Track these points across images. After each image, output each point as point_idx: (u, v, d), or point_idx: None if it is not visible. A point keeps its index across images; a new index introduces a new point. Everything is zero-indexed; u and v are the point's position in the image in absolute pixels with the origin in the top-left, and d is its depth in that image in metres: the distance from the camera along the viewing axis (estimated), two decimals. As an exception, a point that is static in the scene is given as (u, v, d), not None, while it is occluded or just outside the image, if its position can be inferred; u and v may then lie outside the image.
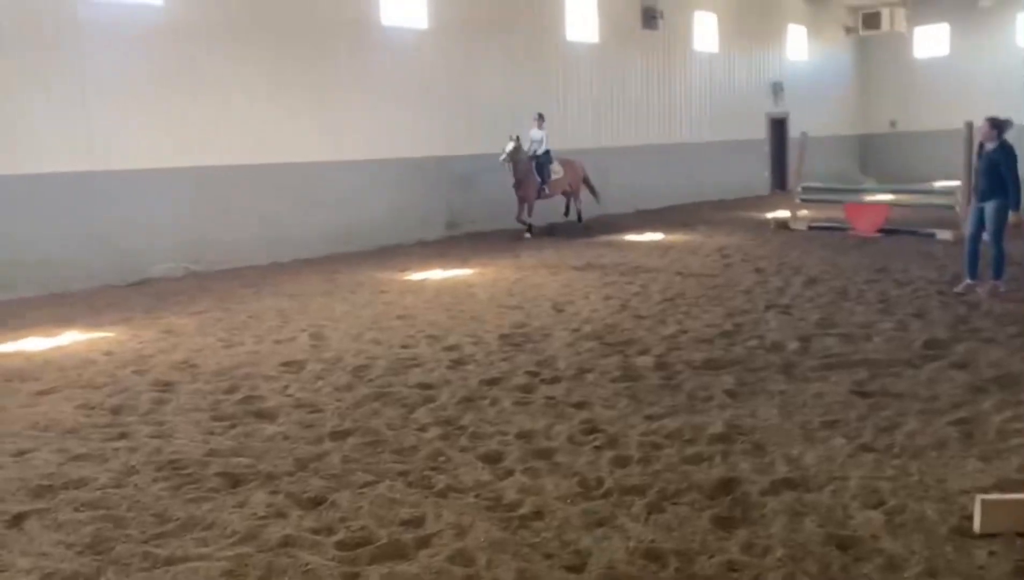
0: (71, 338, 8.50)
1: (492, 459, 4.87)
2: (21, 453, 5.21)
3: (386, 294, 10.44)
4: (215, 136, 12.78)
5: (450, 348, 7.56)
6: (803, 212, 16.56)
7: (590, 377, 6.51)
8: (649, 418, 5.52)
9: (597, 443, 5.08)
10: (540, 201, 16.30)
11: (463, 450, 5.03)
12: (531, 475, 4.61)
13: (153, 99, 12.07)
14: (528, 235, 15.80)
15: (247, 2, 13.07)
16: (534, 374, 6.63)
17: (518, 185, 15.79)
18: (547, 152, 16.26)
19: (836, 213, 15.90)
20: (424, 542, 3.87)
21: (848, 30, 27.48)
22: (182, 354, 7.67)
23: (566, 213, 17.26)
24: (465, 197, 16.46)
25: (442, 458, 4.90)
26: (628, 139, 20.16)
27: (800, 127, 20.06)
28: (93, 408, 6.12)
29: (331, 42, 14.22)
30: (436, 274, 11.91)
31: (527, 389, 6.25)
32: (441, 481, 4.55)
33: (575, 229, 16.74)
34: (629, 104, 20.23)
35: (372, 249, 14.63)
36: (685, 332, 7.93)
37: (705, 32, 22.44)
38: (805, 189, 16.33)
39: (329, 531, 4.02)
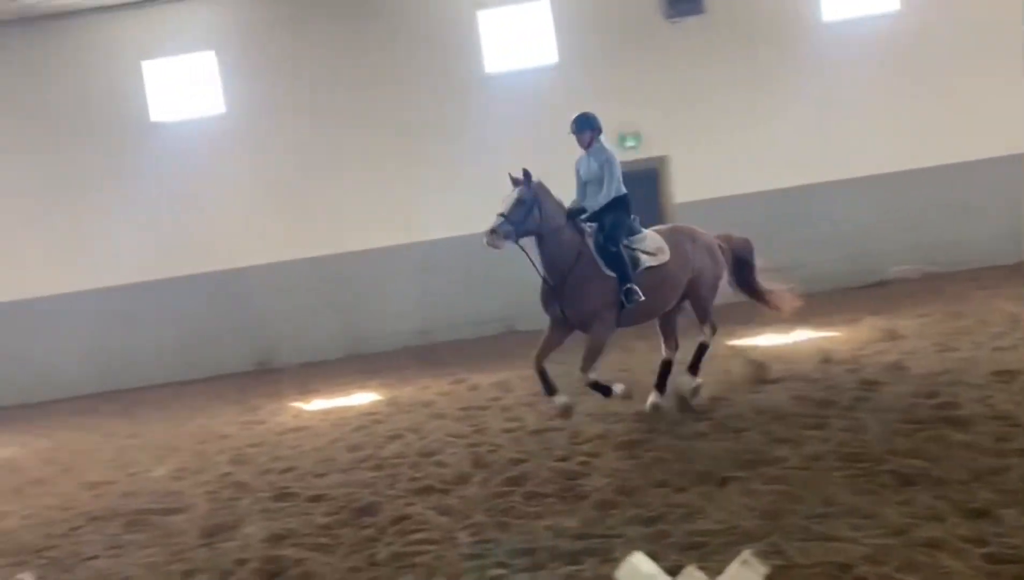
0: (800, 336, 9.52)
1: None
2: (738, 430, 6.34)
3: None
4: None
5: None
6: None
7: None
8: None
9: None
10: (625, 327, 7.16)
11: None
12: None
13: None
14: (558, 403, 6.82)
15: None
16: None
17: (557, 292, 6.71)
18: (624, 198, 6.97)
19: None
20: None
21: None
22: (895, 356, 7.96)
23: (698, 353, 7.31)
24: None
25: None
26: None
27: None
28: (803, 399, 6.94)
29: None
30: None
31: None
32: None
33: None
34: None
35: None
36: None
37: None
38: None
39: (981, 542, 4.00)
